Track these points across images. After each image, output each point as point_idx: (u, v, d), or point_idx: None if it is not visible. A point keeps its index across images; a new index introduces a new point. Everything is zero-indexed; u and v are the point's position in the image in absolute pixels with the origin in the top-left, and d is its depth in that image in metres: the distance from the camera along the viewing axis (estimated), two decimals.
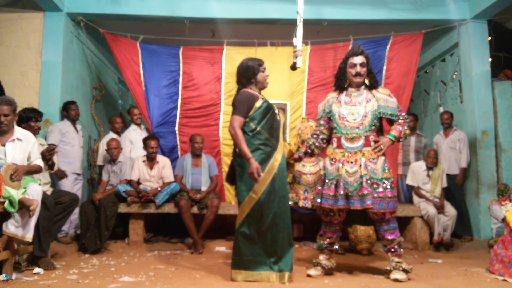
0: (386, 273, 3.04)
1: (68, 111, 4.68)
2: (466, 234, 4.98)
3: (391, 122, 3.17)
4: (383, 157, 3.04)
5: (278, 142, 2.97)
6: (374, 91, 3.12)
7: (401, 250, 3.04)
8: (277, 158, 2.92)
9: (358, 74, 3.08)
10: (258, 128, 2.90)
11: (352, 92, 3.15)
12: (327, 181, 3.09)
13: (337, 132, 3.11)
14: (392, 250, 3.02)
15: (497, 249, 3.33)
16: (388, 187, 2.97)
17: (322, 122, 3.26)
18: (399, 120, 3.11)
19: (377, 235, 3.75)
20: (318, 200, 3.13)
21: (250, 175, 2.78)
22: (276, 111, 3.05)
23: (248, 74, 3.00)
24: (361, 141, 3.03)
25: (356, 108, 3.07)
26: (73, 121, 4.73)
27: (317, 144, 3.25)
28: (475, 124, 5.13)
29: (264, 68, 3.05)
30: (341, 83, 3.20)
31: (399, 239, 3.02)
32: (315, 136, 3.29)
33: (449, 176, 4.95)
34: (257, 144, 2.88)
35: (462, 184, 5.15)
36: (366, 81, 3.15)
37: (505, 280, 3.03)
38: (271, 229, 2.84)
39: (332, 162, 3.09)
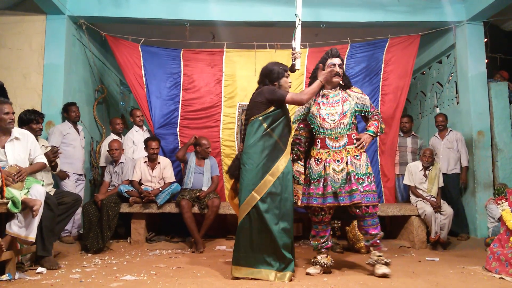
0: (370, 266, 3.09)
1: (69, 112, 4.69)
2: (462, 232, 5.01)
3: (366, 118, 3.30)
4: (365, 154, 3.15)
5: (286, 147, 3.02)
6: (348, 91, 3.24)
7: (382, 244, 3.12)
8: (283, 161, 2.96)
9: (337, 74, 3.17)
10: (269, 130, 2.95)
11: (329, 93, 3.22)
12: (312, 181, 3.15)
13: (319, 133, 3.17)
14: (375, 244, 3.09)
15: (494, 248, 3.34)
16: (372, 181, 3.08)
17: (301, 125, 3.32)
18: (374, 116, 3.25)
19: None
20: (305, 200, 3.19)
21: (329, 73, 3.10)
22: (291, 117, 3.11)
23: (273, 77, 3.08)
24: (345, 140, 3.11)
25: (334, 109, 3.15)
26: (74, 123, 4.74)
27: (301, 149, 3.30)
28: (471, 125, 5.16)
29: (288, 75, 3.13)
30: None
31: (381, 233, 3.10)
32: (297, 141, 3.31)
33: (446, 176, 4.99)
34: (265, 145, 2.94)
35: (460, 183, 5.18)
36: (341, 82, 3.25)
37: (502, 278, 3.05)
38: (272, 229, 2.84)
39: (318, 162, 3.15)
